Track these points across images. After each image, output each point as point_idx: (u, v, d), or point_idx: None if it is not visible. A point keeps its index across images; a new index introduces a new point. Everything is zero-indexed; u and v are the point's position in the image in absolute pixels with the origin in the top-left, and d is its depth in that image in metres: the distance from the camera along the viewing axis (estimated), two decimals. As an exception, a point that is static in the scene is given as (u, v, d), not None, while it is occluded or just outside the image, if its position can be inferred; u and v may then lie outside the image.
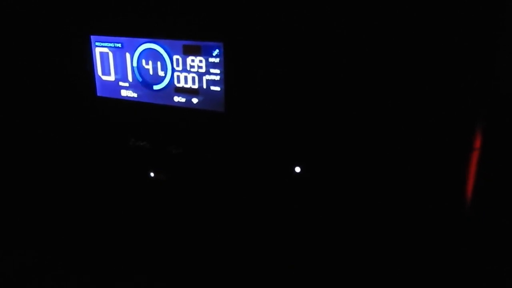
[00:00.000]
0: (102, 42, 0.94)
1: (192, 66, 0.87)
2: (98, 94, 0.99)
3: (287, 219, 0.88)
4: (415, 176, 0.75)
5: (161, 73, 0.91)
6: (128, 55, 0.93)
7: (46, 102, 1.05)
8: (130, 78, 0.94)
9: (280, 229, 0.89)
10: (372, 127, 0.76)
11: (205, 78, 0.86)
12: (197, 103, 0.89)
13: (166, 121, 0.93)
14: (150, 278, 0.95)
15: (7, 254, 1.03)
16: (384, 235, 0.81)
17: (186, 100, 0.90)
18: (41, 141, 1.09)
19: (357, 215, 0.82)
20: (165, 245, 1.00)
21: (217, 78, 0.85)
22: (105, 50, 0.94)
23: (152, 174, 0.99)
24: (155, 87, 0.92)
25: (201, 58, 0.85)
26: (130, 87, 0.95)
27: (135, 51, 0.92)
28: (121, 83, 0.95)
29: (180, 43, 0.87)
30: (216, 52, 0.84)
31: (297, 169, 0.84)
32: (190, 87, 0.88)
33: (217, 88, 0.86)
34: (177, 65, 0.88)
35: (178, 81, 0.89)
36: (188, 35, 0.86)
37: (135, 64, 0.92)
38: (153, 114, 0.94)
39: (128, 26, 0.91)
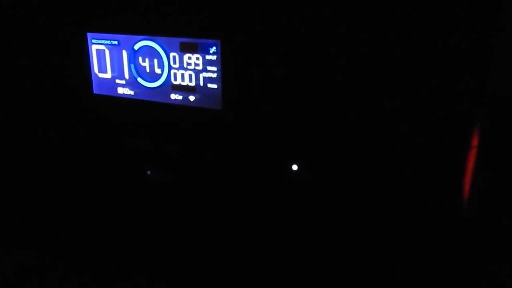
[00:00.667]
0: (98, 39, 0.93)
1: (189, 64, 0.86)
2: (95, 91, 0.98)
3: (285, 217, 0.88)
4: (413, 174, 0.75)
5: (158, 71, 0.90)
6: (124, 53, 0.92)
7: (42, 100, 1.05)
8: (126, 75, 0.93)
9: (278, 227, 0.89)
10: (370, 125, 0.75)
11: (202, 75, 0.86)
12: (194, 100, 0.88)
13: (162, 118, 0.93)
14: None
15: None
16: (382, 233, 0.80)
17: (183, 98, 0.89)
18: (38, 140, 1.09)
19: (355, 213, 0.81)
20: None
21: (214, 75, 0.84)
22: (102, 47, 0.93)
23: (149, 172, 0.98)
24: (152, 85, 0.91)
25: (198, 55, 0.85)
26: (127, 84, 0.94)
27: (131, 48, 0.90)
28: (117, 81, 0.95)
29: (177, 40, 0.86)
30: (213, 49, 0.83)
31: (294, 167, 0.84)
32: (187, 84, 0.87)
33: (214, 86, 0.85)
34: (174, 62, 0.87)
35: (175, 79, 0.88)
36: (185, 32, 0.85)
37: (131, 62, 0.92)
38: (150, 112, 0.94)
39: (125, 23, 0.90)
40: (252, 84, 0.82)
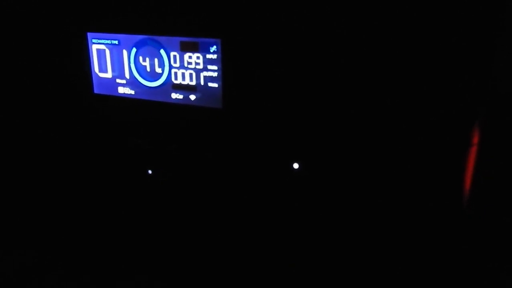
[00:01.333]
0: (99, 39, 0.93)
1: (189, 63, 0.86)
2: (95, 91, 0.98)
3: (286, 215, 0.88)
4: (414, 171, 0.75)
5: (158, 70, 0.90)
6: (125, 52, 0.92)
7: (43, 100, 1.05)
8: (127, 75, 0.93)
9: (279, 225, 0.89)
10: (371, 123, 0.75)
11: (202, 74, 0.85)
12: (194, 100, 0.88)
13: (163, 118, 0.93)
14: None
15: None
16: (383, 230, 0.80)
17: (183, 97, 0.89)
18: (39, 140, 1.09)
19: (356, 211, 0.81)
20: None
21: (215, 74, 0.84)
22: (102, 47, 0.93)
23: (150, 172, 0.98)
24: (153, 84, 0.91)
25: (198, 54, 0.85)
26: (127, 84, 0.94)
27: (132, 48, 0.90)
28: (118, 80, 0.95)
29: (178, 39, 0.86)
30: (213, 48, 0.83)
31: (295, 165, 0.83)
32: (188, 84, 0.87)
33: (215, 85, 0.85)
34: (175, 61, 0.87)
35: (176, 78, 0.88)
36: (185, 32, 0.85)
37: (132, 61, 0.91)
38: (151, 111, 0.94)
39: (125, 23, 0.90)
40: (252, 82, 0.81)
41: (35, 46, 1.01)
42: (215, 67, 0.84)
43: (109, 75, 0.95)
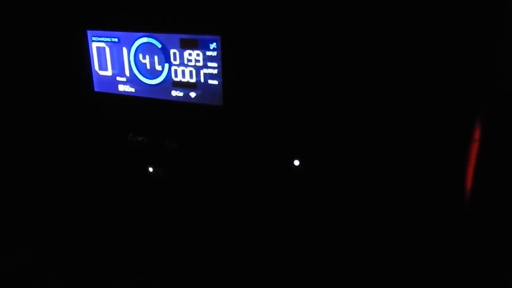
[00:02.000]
0: (98, 36, 0.93)
1: (189, 60, 0.86)
2: (96, 89, 0.98)
3: (286, 213, 0.87)
4: (416, 168, 0.75)
5: (158, 68, 0.89)
6: (125, 50, 0.91)
7: (43, 98, 1.05)
8: (127, 73, 0.93)
9: (280, 223, 0.89)
10: (372, 120, 0.75)
11: (202, 72, 0.85)
12: (195, 97, 0.88)
13: (164, 115, 0.93)
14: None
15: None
16: (384, 227, 0.80)
17: (184, 94, 0.89)
18: (39, 138, 1.09)
19: (357, 208, 0.81)
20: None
21: (215, 71, 0.84)
22: (102, 44, 0.93)
23: (150, 170, 0.98)
24: (153, 82, 0.91)
25: (198, 51, 0.84)
26: (128, 82, 0.94)
27: (132, 45, 0.90)
28: (118, 78, 0.94)
29: (177, 36, 0.85)
30: (213, 45, 0.83)
31: (296, 162, 0.83)
32: (188, 81, 0.87)
33: (215, 82, 0.85)
34: (175, 59, 0.87)
35: (176, 75, 0.88)
36: (185, 29, 0.85)
37: (132, 59, 0.91)
38: (151, 109, 0.93)
39: (125, 20, 0.90)
40: (252, 79, 0.81)
41: (35, 44, 1.01)
42: (215, 64, 0.83)
43: (109, 73, 0.95)
